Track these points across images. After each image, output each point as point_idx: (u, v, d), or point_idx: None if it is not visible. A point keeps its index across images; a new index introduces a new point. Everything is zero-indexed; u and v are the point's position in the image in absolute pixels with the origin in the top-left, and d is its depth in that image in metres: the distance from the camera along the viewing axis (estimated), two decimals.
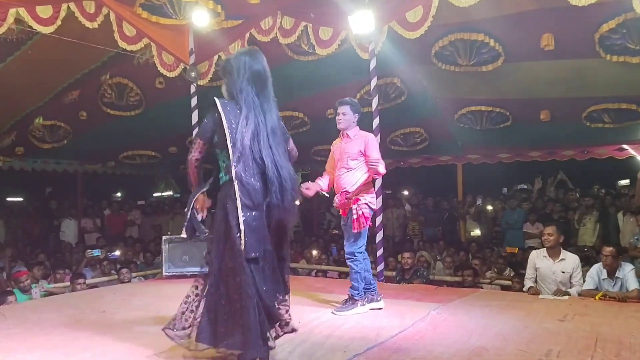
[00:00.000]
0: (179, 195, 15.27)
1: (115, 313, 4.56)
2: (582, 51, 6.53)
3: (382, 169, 4.35)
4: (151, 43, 6.84)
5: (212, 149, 3.17)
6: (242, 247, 2.92)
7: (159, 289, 5.74)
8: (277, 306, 3.12)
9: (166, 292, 5.54)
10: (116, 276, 7.15)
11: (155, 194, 15.55)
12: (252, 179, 3.01)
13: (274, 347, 3.05)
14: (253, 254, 2.96)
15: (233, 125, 3.04)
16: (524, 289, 5.55)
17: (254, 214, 2.99)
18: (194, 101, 7.22)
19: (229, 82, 3.20)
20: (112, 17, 6.33)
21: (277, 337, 3.15)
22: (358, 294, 4.46)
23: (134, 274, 7.37)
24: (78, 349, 3.46)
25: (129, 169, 13.00)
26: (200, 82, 7.31)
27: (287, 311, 3.19)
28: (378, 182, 5.71)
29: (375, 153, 4.42)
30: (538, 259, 5.50)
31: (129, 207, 12.47)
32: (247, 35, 6.85)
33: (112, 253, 8.40)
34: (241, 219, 2.94)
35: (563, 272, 5.31)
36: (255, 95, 3.14)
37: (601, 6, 5.29)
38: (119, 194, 15.25)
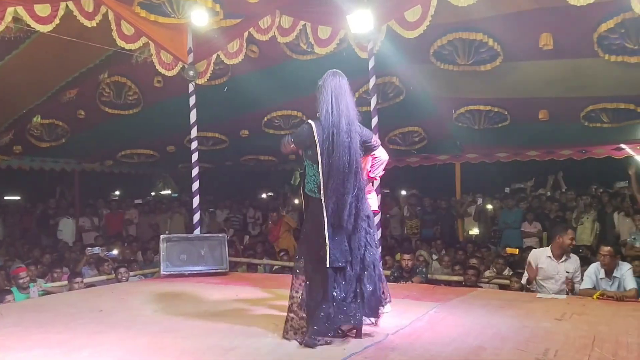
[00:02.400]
0: (177, 194, 15.27)
1: (113, 312, 4.55)
2: (580, 51, 6.54)
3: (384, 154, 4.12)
4: (149, 42, 6.84)
5: None
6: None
7: (157, 288, 5.73)
8: None
9: (163, 291, 5.53)
10: (114, 275, 7.14)
11: (153, 193, 15.54)
12: None
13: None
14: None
15: None
16: (522, 281, 5.64)
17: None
18: (192, 100, 7.20)
19: None
20: (111, 15, 6.32)
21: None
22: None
23: (132, 273, 7.36)
24: (76, 348, 3.45)
25: (127, 167, 13.00)
26: (199, 81, 7.29)
27: None
28: (376, 182, 5.71)
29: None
30: (541, 258, 5.54)
31: (127, 206, 12.45)
32: (246, 34, 6.84)
33: (110, 252, 8.39)
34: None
35: (567, 272, 5.37)
36: None
37: (600, 6, 5.31)
38: (117, 193, 15.24)
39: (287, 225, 10.02)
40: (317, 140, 3.41)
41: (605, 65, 6.58)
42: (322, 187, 3.41)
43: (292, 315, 3.56)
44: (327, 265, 3.39)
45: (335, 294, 3.43)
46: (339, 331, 3.51)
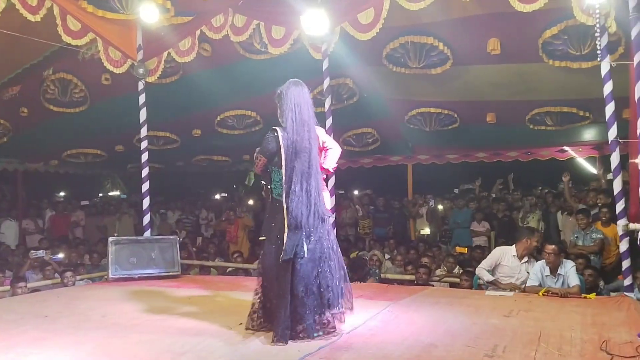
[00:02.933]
0: (126, 195, 14.89)
1: (59, 317, 4.39)
2: (526, 56, 6.76)
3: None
4: (97, 38, 6.63)
5: None
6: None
7: (105, 292, 5.58)
8: None
9: (112, 295, 5.39)
10: (59, 279, 6.87)
11: (100, 194, 15.09)
12: None
13: None
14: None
15: None
16: (485, 280, 5.78)
17: None
18: (142, 98, 7.04)
19: None
20: (56, 10, 6.09)
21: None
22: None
23: (79, 277, 7.10)
24: (19, 355, 3.31)
25: (73, 168, 12.57)
26: (149, 79, 7.14)
27: None
28: (331, 182, 5.74)
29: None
30: (506, 256, 5.77)
31: (73, 208, 12.01)
32: (198, 32, 6.74)
33: (56, 255, 8.08)
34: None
35: (527, 272, 5.59)
36: None
37: (544, 13, 5.49)
38: (62, 194, 14.71)
39: (244, 226, 9.93)
40: (282, 146, 3.64)
41: (550, 70, 6.82)
42: (284, 189, 3.62)
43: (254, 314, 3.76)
44: (281, 260, 3.55)
45: (295, 291, 3.56)
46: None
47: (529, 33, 6.29)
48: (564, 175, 8.37)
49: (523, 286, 5.46)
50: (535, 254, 5.88)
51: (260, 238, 3.88)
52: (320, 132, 4.30)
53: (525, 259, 5.72)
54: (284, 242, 3.57)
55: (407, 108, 8.90)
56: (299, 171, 3.61)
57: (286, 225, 3.59)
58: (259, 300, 3.77)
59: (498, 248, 6.19)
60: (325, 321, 3.68)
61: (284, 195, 3.62)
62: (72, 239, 10.65)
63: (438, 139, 9.71)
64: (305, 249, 3.59)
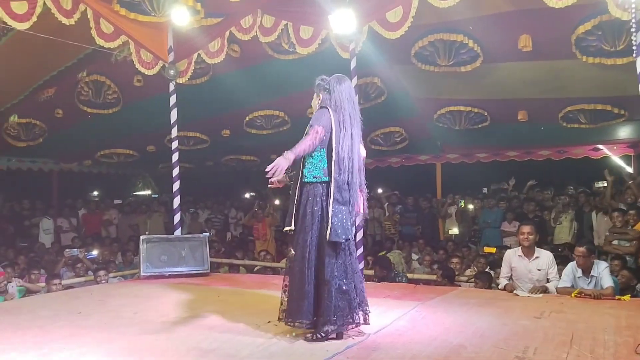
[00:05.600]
0: (157, 194, 15.13)
1: (92, 314, 4.49)
2: (559, 52, 6.62)
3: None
4: (129, 40, 6.76)
5: None
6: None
7: (137, 290, 5.67)
8: None
9: (144, 292, 5.48)
10: (93, 277, 7.04)
11: (133, 193, 15.37)
12: None
13: None
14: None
15: None
16: (499, 287, 5.59)
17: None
18: (173, 99, 7.14)
19: None
20: (90, 13, 6.24)
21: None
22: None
23: (111, 274, 7.27)
24: (53, 350, 3.40)
25: (106, 167, 12.85)
26: (180, 80, 7.24)
27: None
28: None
29: None
30: (514, 258, 5.54)
31: (106, 207, 12.30)
32: (227, 33, 6.81)
33: (90, 253, 8.27)
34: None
35: (539, 270, 5.38)
36: None
37: (577, 8, 5.38)
38: (95, 193, 15.05)
39: (271, 224, 9.99)
40: (333, 123, 3.55)
41: (583, 67, 6.67)
42: (333, 168, 3.52)
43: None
44: (328, 239, 3.46)
45: (336, 282, 3.51)
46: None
47: (561, 29, 6.16)
48: (607, 175, 8.13)
49: (541, 286, 5.26)
50: (541, 246, 5.59)
51: (288, 228, 3.64)
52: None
53: (534, 255, 5.42)
54: (330, 218, 3.45)
55: (436, 106, 8.82)
56: (352, 158, 3.56)
57: (331, 202, 3.47)
58: (287, 298, 3.67)
59: (507, 251, 5.87)
60: (357, 320, 3.62)
61: (331, 175, 3.51)
62: (105, 237, 10.89)
63: (468, 137, 9.59)
64: (353, 231, 3.55)
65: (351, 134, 3.60)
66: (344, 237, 3.51)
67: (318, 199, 3.53)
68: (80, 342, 3.60)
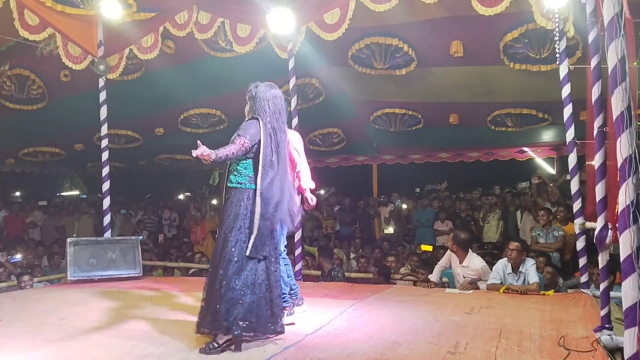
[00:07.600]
0: (85, 195, 14.52)
1: (14, 321, 4.24)
2: (488, 58, 6.90)
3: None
4: (56, 33, 6.45)
5: None
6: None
7: (64, 295, 5.42)
8: None
9: (71, 298, 5.24)
10: (16, 282, 6.65)
11: (59, 194, 14.66)
12: None
13: None
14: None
15: None
16: (431, 279, 5.87)
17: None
18: (102, 95, 6.88)
19: None
20: (12, 3, 5.91)
21: None
22: (284, 300, 4.11)
23: (36, 279, 6.89)
24: None
25: (30, 167, 12.18)
26: (110, 76, 6.98)
27: None
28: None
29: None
30: (453, 257, 5.85)
31: (30, 208, 11.65)
32: (161, 29, 6.63)
33: (13, 257, 7.83)
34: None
35: (464, 277, 5.69)
36: None
37: (506, 16, 5.62)
38: (18, 194, 14.25)
39: (210, 228, 9.80)
40: (262, 134, 3.53)
41: (510, 73, 6.98)
42: (259, 178, 3.48)
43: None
44: (247, 254, 3.43)
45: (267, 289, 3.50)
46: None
47: (490, 36, 6.43)
48: (534, 178, 8.59)
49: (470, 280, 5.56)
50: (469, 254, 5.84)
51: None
52: (294, 135, 4.28)
53: (466, 262, 5.72)
54: (254, 233, 3.43)
55: (373, 108, 8.97)
56: (283, 163, 3.58)
57: (257, 215, 3.45)
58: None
59: (448, 252, 6.11)
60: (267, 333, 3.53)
61: (257, 184, 3.48)
62: (28, 240, 10.31)
63: (402, 139, 9.83)
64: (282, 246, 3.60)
65: (277, 142, 3.59)
66: (263, 253, 3.49)
67: (242, 204, 3.49)
68: (1, 350, 3.40)
